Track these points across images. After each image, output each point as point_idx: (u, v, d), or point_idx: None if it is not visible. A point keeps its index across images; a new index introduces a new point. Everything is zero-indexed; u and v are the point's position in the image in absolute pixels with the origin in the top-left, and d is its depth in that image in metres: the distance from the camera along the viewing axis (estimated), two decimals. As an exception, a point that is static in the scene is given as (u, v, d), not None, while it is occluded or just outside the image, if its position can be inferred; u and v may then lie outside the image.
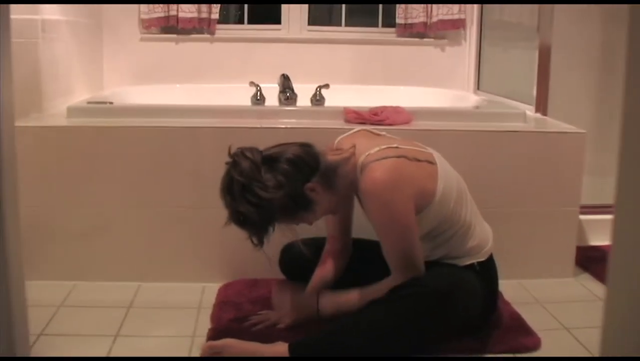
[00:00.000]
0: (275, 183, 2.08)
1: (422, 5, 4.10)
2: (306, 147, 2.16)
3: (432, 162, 2.23)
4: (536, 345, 2.28)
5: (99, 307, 2.55)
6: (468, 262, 2.27)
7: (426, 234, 2.21)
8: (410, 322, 2.03)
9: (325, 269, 2.42)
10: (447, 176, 2.23)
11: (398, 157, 2.14)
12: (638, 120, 0.89)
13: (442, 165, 2.25)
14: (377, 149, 2.18)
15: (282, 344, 2.10)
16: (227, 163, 2.13)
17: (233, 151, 2.14)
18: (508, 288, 2.64)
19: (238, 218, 2.12)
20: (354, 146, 2.22)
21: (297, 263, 2.59)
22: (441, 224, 2.21)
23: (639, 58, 0.88)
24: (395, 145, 2.21)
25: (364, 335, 2.04)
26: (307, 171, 2.12)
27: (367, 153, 2.17)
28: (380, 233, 2.15)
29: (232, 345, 2.11)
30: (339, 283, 2.42)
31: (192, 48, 4.07)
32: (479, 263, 2.29)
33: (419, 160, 2.20)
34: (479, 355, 2.21)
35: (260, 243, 2.15)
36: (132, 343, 2.28)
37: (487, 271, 2.31)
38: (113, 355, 2.18)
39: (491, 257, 2.36)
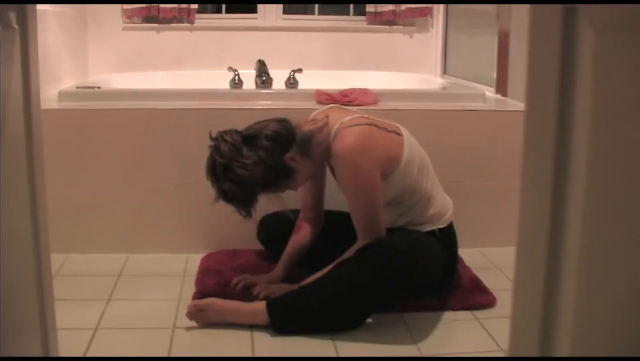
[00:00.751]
0: (256, 159, 2.29)
1: (392, -6, 4.31)
2: (283, 122, 2.38)
3: (398, 134, 2.46)
4: (491, 302, 2.52)
5: (91, 276, 2.75)
6: (429, 228, 2.50)
7: (391, 201, 2.44)
8: (374, 278, 2.26)
9: (300, 236, 2.64)
10: (412, 147, 2.46)
11: (368, 125, 2.37)
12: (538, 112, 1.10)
13: (408, 137, 2.48)
14: (349, 117, 2.41)
15: (260, 302, 2.32)
16: (209, 147, 2.34)
17: (214, 135, 2.35)
18: (469, 255, 2.86)
19: (224, 195, 2.34)
20: (327, 117, 2.45)
21: (274, 234, 2.82)
22: (405, 191, 2.44)
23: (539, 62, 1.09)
24: (366, 115, 2.44)
25: (333, 291, 2.27)
26: (285, 143, 2.34)
27: (340, 122, 2.39)
28: (348, 195, 2.38)
29: (215, 303, 2.33)
30: (312, 251, 2.65)
31: (172, 36, 4.25)
32: (439, 229, 2.52)
33: (387, 130, 2.43)
34: (439, 311, 2.45)
35: (249, 215, 2.37)
36: (124, 305, 2.49)
37: (446, 236, 2.55)
38: (106, 316, 2.39)
39: (451, 225, 2.59)
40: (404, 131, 2.50)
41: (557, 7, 1.02)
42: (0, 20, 1.01)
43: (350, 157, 2.31)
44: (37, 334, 1.40)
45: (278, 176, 2.35)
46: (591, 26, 1.00)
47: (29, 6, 1.12)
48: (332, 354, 2.14)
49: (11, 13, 1.04)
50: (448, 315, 2.43)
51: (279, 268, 2.60)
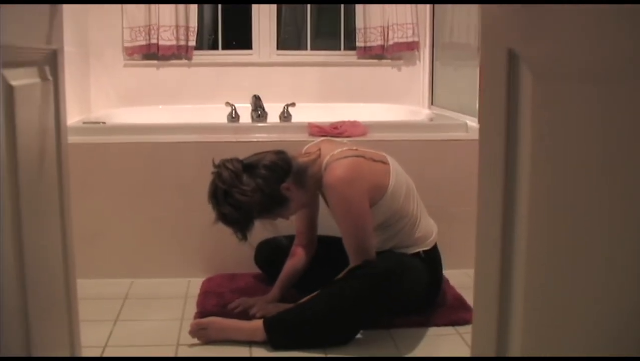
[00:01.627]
0: (254, 186, 2.49)
1: (380, 29, 4.51)
2: (280, 153, 2.59)
3: (385, 163, 2.66)
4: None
5: (98, 299, 2.92)
6: (414, 250, 2.69)
7: (379, 225, 2.63)
8: (362, 296, 2.45)
9: (294, 261, 2.82)
10: (398, 175, 2.66)
11: (356, 156, 2.58)
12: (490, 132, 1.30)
13: (394, 165, 2.68)
14: (339, 150, 2.61)
15: (258, 320, 2.50)
16: (212, 173, 2.54)
17: (217, 162, 2.55)
18: (454, 276, 3.03)
19: (223, 218, 2.53)
20: (319, 149, 2.65)
21: (270, 259, 3.00)
22: (392, 216, 2.63)
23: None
24: (354, 147, 2.65)
25: (325, 309, 2.45)
26: (282, 173, 2.54)
27: (330, 154, 2.59)
28: (339, 221, 2.57)
29: (216, 321, 2.51)
30: (306, 274, 2.83)
31: (171, 72, 4.45)
32: (424, 251, 2.71)
33: (374, 160, 2.63)
34: (424, 327, 2.63)
35: (244, 237, 2.56)
36: (130, 325, 2.67)
37: (431, 258, 2.73)
38: (115, 335, 2.56)
39: (435, 247, 2.77)
40: (390, 160, 2.69)
41: (503, 52, 1.22)
42: (40, 75, 1.20)
43: (339, 187, 2.51)
44: (67, 350, 1.57)
45: (273, 204, 2.55)
46: (529, 69, 1.20)
47: (59, 58, 1.32)
48: (325, 367, 2.32)
49: (46, 67, 1.24)
50: (432, 330, 2.61)
51: (275, 290, 2.78)
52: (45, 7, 1.21)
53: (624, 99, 1.09)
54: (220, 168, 2.52)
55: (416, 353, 2.43)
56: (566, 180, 1.20)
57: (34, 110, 1.14)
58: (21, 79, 1.06)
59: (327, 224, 2.82)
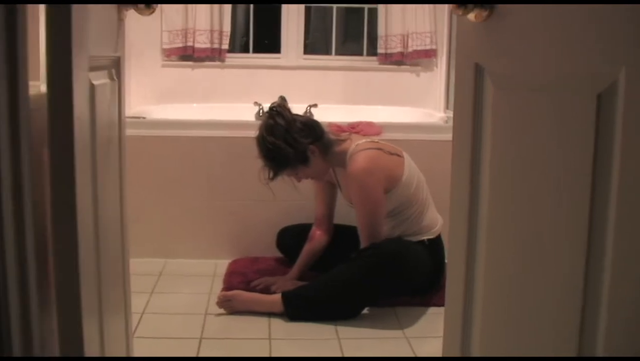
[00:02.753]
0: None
1: (400, 37, 4.82)
2: (317, 121, 2.99)
3: (400, 156, 2.99)
4: (470, 301, 3.01)
5: (136, 275, 3.23)
6: (419, 238, 3.01)
7: (391, 211, 2.95)
8: (370, 275, 2.78)
9: (312, 244, 3.15)
10: (411, 168, 2.99)
11: (377, 149, 2.93)
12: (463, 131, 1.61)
13: (408, 160, 3.01)
14: (364, 140, 2.98)
15: (277, 295, 2.84)
16: (268, 111, 2.97)
17: (273, 105, 3.01)
18: (458, 265, 3.34)
19: (269, 151, 2.91)
20: (350, 134, 3.03)
21: (290, 244, 3.34)
22: (403, 203, 2.96)
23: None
24: (376, 140, 2.99)
25: (337, 285, 2.78)
26: (314, 135, 2.90)
27: (356, 143, 2.94)
28: (356, 206, 2.93)
29: (240, 294, 2.86)
30: (322, 257, 3.16)
31: (205, 73, 4.79)
32: (428, 240, 3.03)
33: (391, 153, 2.97)
34: (425, 307, 2.94)
35: (274, 176, 2.94)
36: (165, 296, 3.02)
37: (434, 246, 3.05)
38: (151, 304, 2.91)
39: (439, 236, 3.09)
40: (405, 154, 3.02)
41: (471, 66, 1.54)
42: (109, 77, 1.54)
43: (360, 176, 2.85)
44: (122, 315, 1.89)
45: (296, 157, 2.90)
46: (491, 81, 1.52)
47: (121, 62, 1.65)
48: (334, 336, 2.64)
49: (113, 70, 1.57)
50: (432, 310, 2.93)
51: (294, 270, 3.11)
52: (114, 23, 1.54)
53: (569, 107, 1.42)
54: (283, 110, 2.95)
55: (415, 327, 2.75)
56: (521, 174, 1.52)
57: (105, 105, 1.47)
58: (98, 80, 1.39)
59: (342, 214, 3.16)
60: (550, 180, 1.49)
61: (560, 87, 1.46)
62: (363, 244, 2.90)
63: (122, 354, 1.88)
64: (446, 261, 3.10)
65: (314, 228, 3.19)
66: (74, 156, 1.18)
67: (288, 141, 2.87)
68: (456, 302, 1.74)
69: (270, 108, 2.98)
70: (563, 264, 1.48)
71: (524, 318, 1.58)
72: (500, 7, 1.48)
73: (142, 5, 1.53)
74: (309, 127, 2.94)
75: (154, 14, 1.58)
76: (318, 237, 3.15)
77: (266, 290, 2.99)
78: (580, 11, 1.40)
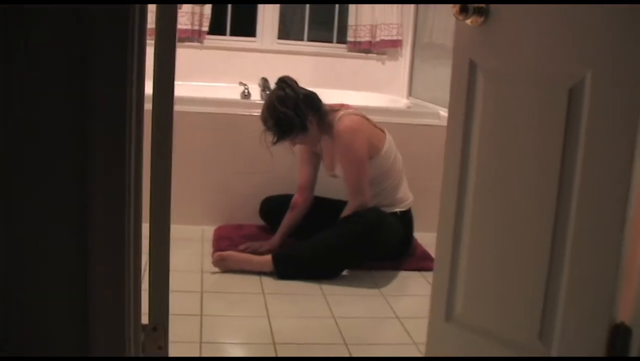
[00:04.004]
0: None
1: (369, 27, 5.16)
2: (316, 93, 3.35)
3: (383, 131, 3.35)
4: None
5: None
6: (393, 210, 3.37)
7: (371, 180, 3.29)
8: (353, 240, 3.14)
9: (294, 213, 3.48)
10: (391, 144, 3.37)
11: (363, 117, 3.32)
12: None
13: (389, 137, 3.38)
14: (351, 110, 3.35)
15: (267, 256, 3.17)
16: (278, 83, 3.31)
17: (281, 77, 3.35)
18: (423, 237, 3.67)
19: (278, 119, 3.24)
20: (342, 105, 3.39)
21: (272, 212, 3.66)
22: (381, 174, 3.32)
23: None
24: (363, 113, 3.36)
25: (322, 248, 3.13)
26: (314, 106, 3.27)
27: (344, 111, 3.32)
28: (343, 163, 3.28)
29: (234, 254, 3.19)
30: (303, 225, 3.49)
31: (185, 53, 5.04)
32: (401, 211, 3.39)
33: (375, 126, 3.34)
34: (397, 271, 3.31)
35: (278, 141, 3.27)
36: (162, 256, 3.31)
37: (405, 217, 3.42)
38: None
39: (409, 210, 3.46)
40: (387, 132, 3.38)
41: (466, 62, 1.90)
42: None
43: (347, 134, 3.22)
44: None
45: (297, 125, 3.25)
46: (482, 75, 1.88)
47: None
48: (319, 293, 2.98)
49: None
50: (403, 273, 3.30)
51: (277, 237, 3.44)
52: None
53: (545, 98, 1.80)
54: (291, 82, 3.30)
55: (389, 286, 3.12)
56: (507, 167, 1.88)
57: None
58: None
59: (322, 187, 3.51)
60: (527, 158, 1.87)
61: (539, 81, 1.83)
62: (351, 200, 3.26)
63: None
64: (414, 232, 3.50)
65: (296, 196, 3.51)
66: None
67: (296, 111, 3.20)
68: (444, 267, 2.09)
69: (280, 80, 3.32)
70: (535, 224, 1.86)
71: (502, 282, 1.95)
72: (493, 15, 1.84)
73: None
74: (311, 99, 3.30)
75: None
76: (300, 205, 3.48)
77: (253, 253, 3.31)
78: (558, 19, 1.77)
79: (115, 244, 1.41)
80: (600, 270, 1.70)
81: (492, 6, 1.85)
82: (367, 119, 3.36)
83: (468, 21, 1.88)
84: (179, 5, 1.56)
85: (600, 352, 1.72)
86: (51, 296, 1.42)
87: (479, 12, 1.85)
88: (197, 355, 2.37)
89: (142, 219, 1.50)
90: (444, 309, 2.08)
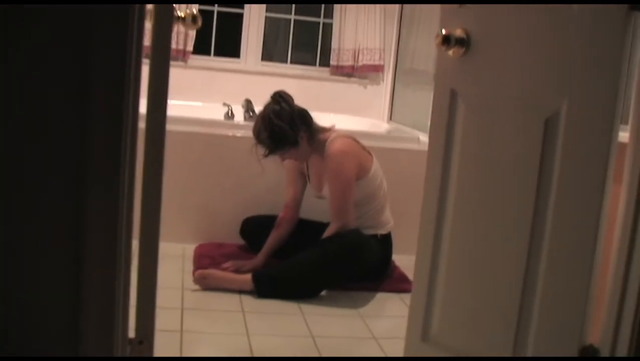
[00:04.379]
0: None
1: (352, 51, 5.25)
2: (307, 110, 3.43)
3: (371, 155, 3.43)
4: (411, 288, 3.43)
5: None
6: (373, 232, 3.43)
7: (356, 201, 3.36)
8: (333, 260, 3.19)
9: (279, 231, 3.52)
10: (377, 168, 3.44)
11: (353, 140, 3.40)
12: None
13: (376, 161, 3.46)
14: (343, 132, 3.43)
15: (247, 275, 3.21)
16: (274, 97, 3.40)
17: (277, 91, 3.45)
18: (400, 259, 3.73)
19: (272, 131, 3.31)
20: (333, 126, 3.48)
21: (253, 231, 3.71)
22: (366, 196, 3.39)
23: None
24: (353, 136, 3.45)
25: (303, 268, 3.18)
26: (307, 122, 3.36)
27: (336, 133, 3.39)
28: (331, 184, 3.35)
29: (215, 273, 3.23)
30: (286, 246, 3.54)
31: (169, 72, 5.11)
32: (381, 235, 3.45)
33: (364, 149, 3.42)
34: (375, 292, 3.36)
35: (270, 154, 3.34)
36: (143, 273, 3.34)
37: (385, 241, 3.48)
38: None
39: (389, 234, 3.52)
40: (374, 156, 3.45)
41: (447, 91, 1.97)
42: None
43: (337, 157, 3.30)
44: None
45: (289, 140, 3.32)
46: (463, 103, 1.95)
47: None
48: (298, 312, 3.03)
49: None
50: (381, 295, 3.36)
51: (261, 256, 3.47)
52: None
53: (522, 126, 1.87)
54: (287, 97, 3.40)
55: (367, 309, 3.16)
56: (485, 191, 1.96)
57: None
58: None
59: (306, 208, 3.57)
60: (505, 184, 1.94)
61: (517, 109, 1.91)
62: (334, 221, 3.32)
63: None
64: (392, 255, 3.56)
65: (281, 214, 3.56)
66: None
67: (291, 125, 3.28)
68: (421, 288, 2.16)
69: (276, 94, 3.40)
70: (511, 249, 1.94)
71: (477, 303, 2.02)
72: (474, 47, 1.91)
73: (189, 21, 1.89)
74: (304, 115, 3.37)
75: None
76: (285, 223, 3.53)
77: (236, 272, 3.35)
78: (535, 51, 1.86)
79: (107, 257, 1.45)
80: (571, 295, 1.77)
81: (473, 38, 1.92)
82: (357, 142, 3.44)
83: (450, 52, 1.95)
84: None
85: (571, 373, 1.79)
86: (45, 300, 1.47)
87: (461, 43, 1.93)
88: (177, 371, 2.41)
89: (132, 234, 1.54)
90: (421, 329, 2.13)
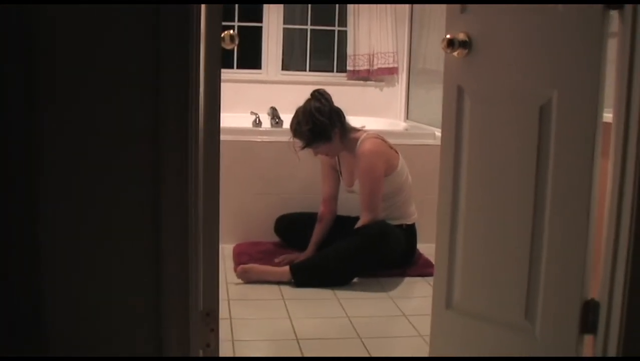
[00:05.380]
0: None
1: (367, 56, 5.54)
2: (341, 109, 3.75)
3: (397, 153, 3.74)
4: (437, 273, 3.73)
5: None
6: (399, 223, 3.72)
7: (384, 195, 3.66)
8: (362, 250, 3.50)
9: (322, 225, 3.84)
10: (403, 165, 3.75)
11: (382, 140, 3.71)
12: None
13: (402, 158, 3.76)
14: (372, 133, 3.74)
15: (285, 267, 3.52)
16: (315, 94, 3.73)
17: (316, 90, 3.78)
18: (427, 248, 3.98)
19: (318, 127, 3.63)
20: (363, 126, 3.80)
21: (287, 228, 4.02)
22: (394, 190, 3.70)
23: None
24: (381, 136, 3.76)
25: (335, 258, 3.48)
26: (339, 121, 3.68)
27: (366, 134, 3.71)
28: (361, 181, 3.65)
29: (255, 267, 3.54)
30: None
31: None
32: (406, 225, 3.75)
33: (391, 148, 3.74)
34: (401, 277, 3.66)
35: (306, 146, 3.67)
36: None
37: (410, 231, 3.78)
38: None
39: (414, 224, 3.81)
40: (400, 154, 3.76)
41: (455, 87, 2.27)
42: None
43: (368, 156, 3.62)
44: None
45: (324, 135, 3.63)
46: (469, 98, 2.24)
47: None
48: (333, 298, 3.32)
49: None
50: (407, 279, 3.65)
51: (310, 248, 3.77)
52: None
53: (521, 114, 2.16)
54: (326, 95, 3.74)
55: (396, 292, 3.46)
56: (492, 173, 2.24)
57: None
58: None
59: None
60: (509, 166, 2.23)
61: (515, 100, 2.20)
62: (363, 216, 3.63)
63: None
64: (417, 244, 3.85)
65: (321, 209, 3.88)
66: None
67: (330, 120, 3.59)
68: (442, 263, 2.44)
69: (317, 91, 3.74)
70: (518, 222, 2.22)
71: (492, 272, 2.31)
72: (475, 48, 2.21)
73: (228, 41, 2.19)
74: (338, 114, 3.69)
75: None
76: (326, 216, 3.86)
77: (286, 265, 3.60)
78: (529, 48, 2.14)
79: (181, 242, 1.75)
80: (572, 255, 2.06)
81: (474, 40, 2.22)
82: (385, 141, 3.75)
83: (455, 53, 2.24)
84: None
85: (575, 325, 2.07)
86: (127, 287, 1.77)
87: (464, 45, 2.22)
88: (230, 352, 2.70)
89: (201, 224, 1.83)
90: (444, 299, 2.42)
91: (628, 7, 1.89)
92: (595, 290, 2.07)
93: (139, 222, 1.75)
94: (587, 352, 2.11)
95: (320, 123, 3.60)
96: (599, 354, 2.06)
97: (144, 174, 1.74)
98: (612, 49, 1.98)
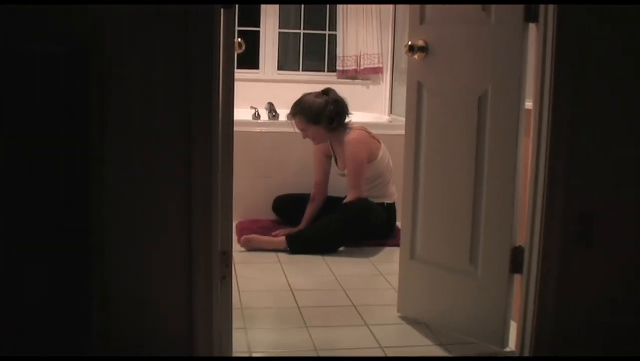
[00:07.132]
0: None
1: (354, 57, 6.13)
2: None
3: (379, 142, 4.37)
4: (412, 244, 4.34)
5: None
6: (380, 200, 4.34)
7: (367, 178, 4.28)
8: (347, 222, 4.12)
9: (314, 204, 4.47)
10: (384, 153, 4.38)
11: (365, 131, 4.35)
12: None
13: (384, 147, 4.38)
14: (357, 125, 4.39)
15: (282, 237, 4.14)
16: (328, 90, 4.45)
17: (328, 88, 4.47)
18: (402, 224, 4.65)
19: (335, 113, 4.36)
20: (350, 120, 4.41)
21: (283, 207, 4.64)
22: (376, 174, 4.33)
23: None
24: (365, 128, 4.38)
25: (323, 230, 4.10)
26: (343, 111, 4.36)
27: (352, 126, 4.35)
28: (348, 164, 4.28)
29: (256, 237, 4.16)
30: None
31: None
32: (387, 203, 4.37)
33: (373, 138, 4.37)
34: (381, 247, 4.27)
35: (302, 120, 4.34)
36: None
37: (389, 208, 4.40)
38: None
39: (394, 203, 4.42)
40: (382, 143, 4.37)
41: (415, 83, 2.88)
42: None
43: (353, 143, 4.28)
44: None
45: (318, 118, 4.31)
46: (426, 91, 2.86)
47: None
48: (322, 262, 3.94)
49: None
50: (387, 248, 4.27)
51: (303, 223, 4.39)
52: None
53: (463, 104, 2.76)
54: (332, 92, 4.44)
55: (376, 258, 4.08)
56: (444, 150, 2.85)
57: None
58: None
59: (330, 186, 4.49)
60: (456, 143, 2.83)
61: (460, 92, 2.80)
62: (349, 193, 4.29)
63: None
64: (396, 221, 4.46)
65: (314, 191, 4.53)
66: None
67: (336, 114, 4.31)
68: (406, 221, 3.03)
69: (329, 89, 4.46)
70: (464, 187, 2.82)
71: (444, 227, 2.90)
72: (431, 51, 2.81)
73: (236, 47, 2.79)
74: (336, 110, 4.35)
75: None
76: (318, 197, 4.50)
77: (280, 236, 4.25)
78: (469, 52, 2.74)
79: (207, 197, 2.36)
80: (504, 212, 2.67)
81: (430, 45, 2.82)
82: (368, 133, 4.39)
83: (415, 56, 2.86)
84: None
85: (506, 266, 2.68)
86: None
87: (422, 49, 2.83)
88: (238, 301, 3.31)
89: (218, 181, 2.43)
90: (409, 251, 3.03)
91: (541, 22, 2.51)
92: (522, 238, 2.68)
93: (175, 178, 2.37)
94: (517, 288, 2.72)
95: (336, 113, 4.30)
96: (524, 289, 2.67)
97: (180, 139, 2.36)
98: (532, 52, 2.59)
